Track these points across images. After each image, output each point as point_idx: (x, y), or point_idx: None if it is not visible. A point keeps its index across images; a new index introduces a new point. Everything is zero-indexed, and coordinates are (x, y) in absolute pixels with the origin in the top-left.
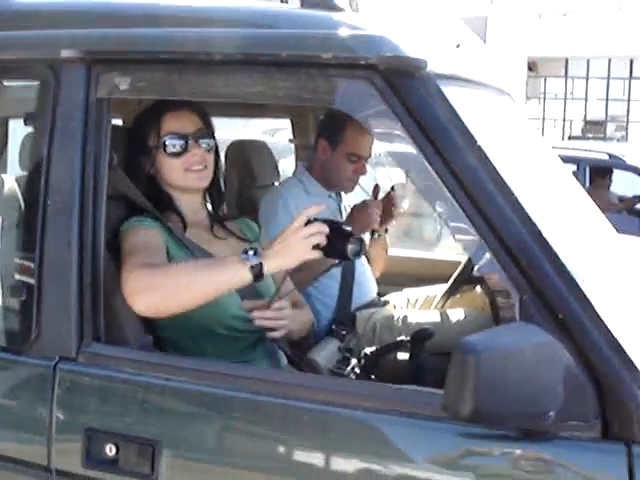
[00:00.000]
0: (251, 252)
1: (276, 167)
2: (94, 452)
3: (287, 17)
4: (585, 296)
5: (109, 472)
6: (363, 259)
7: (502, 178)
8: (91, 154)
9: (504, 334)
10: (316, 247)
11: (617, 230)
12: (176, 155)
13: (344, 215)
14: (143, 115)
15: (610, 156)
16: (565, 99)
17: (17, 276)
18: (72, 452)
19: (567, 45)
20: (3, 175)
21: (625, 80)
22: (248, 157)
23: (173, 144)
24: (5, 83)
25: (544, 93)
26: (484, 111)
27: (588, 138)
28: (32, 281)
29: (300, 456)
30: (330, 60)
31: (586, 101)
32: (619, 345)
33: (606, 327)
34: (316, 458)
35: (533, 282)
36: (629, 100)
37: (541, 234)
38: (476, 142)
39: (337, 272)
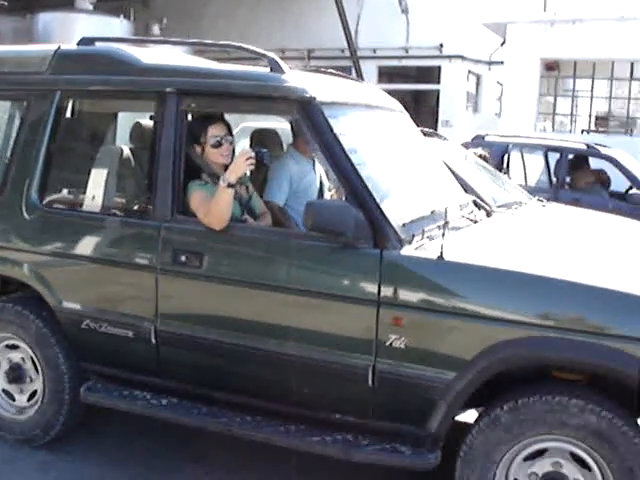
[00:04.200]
0: (222, 180)
1: (281, 145)
2: (178, 260)
3: (260, 75)
4: (371, 194)
5: (185, 266)
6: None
7: (345, 150)
8: (178, 137)
9: (329, 201)
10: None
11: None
12: (215, 147)
13: (317, 174)
14: (196, 121)
15: (588, 146)
16: (573, 97)
17: (143, 189)
18: (168, 259)
19: (575, 49)
20: (122, 145)
21: (626, 81)
22: (263, 139)
23: (214, 141)
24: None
25: (555, 91)
26: (349, 119)
27: (600, 132)
28: (150, 188)
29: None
30: (279, 96)
31: (592, 99)
32: (383, 212)
33: (377, 204)
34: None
35: (350, 189)
36: (629, 99)
37: (358, 173)
38: (334, 134)
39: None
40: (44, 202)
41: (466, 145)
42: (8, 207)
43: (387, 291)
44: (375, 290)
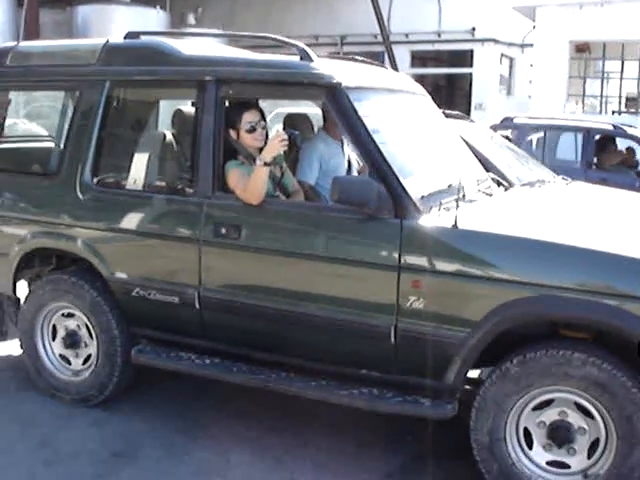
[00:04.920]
0: (258, 160)
1: (312, 128)
2: (218, 233)
3: (291, 64)
4: (392, 169)
5: (225, 238)
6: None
7: (368, 130)
8: (218, 121)
9: (354, 177)
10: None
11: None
12: (250, 132)
13: (346, 155)
14: (232, 109)
15: (614, 127)
16: (602, 78)
17: (185, 169)
18: (209, 232)
19: (604, 31)
20: (165, 130)
21: None
22: (295, 122)
23: (249, 126)
24: (178, 89)
25: (585, 73)
26: (372, 102)
27: (631, 112)
28: (193, 168)
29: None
30: (308, 83)
31: (621, 80)
32: (403, 185)
33: (398, 178)
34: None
35: (373, 165)
36: None
37: (380, 150)
38: (359, 116)
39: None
40: (96, 182)
41: (494, 127)
42: (63, 188)
43: (407, 257)
44: (396, 256)
